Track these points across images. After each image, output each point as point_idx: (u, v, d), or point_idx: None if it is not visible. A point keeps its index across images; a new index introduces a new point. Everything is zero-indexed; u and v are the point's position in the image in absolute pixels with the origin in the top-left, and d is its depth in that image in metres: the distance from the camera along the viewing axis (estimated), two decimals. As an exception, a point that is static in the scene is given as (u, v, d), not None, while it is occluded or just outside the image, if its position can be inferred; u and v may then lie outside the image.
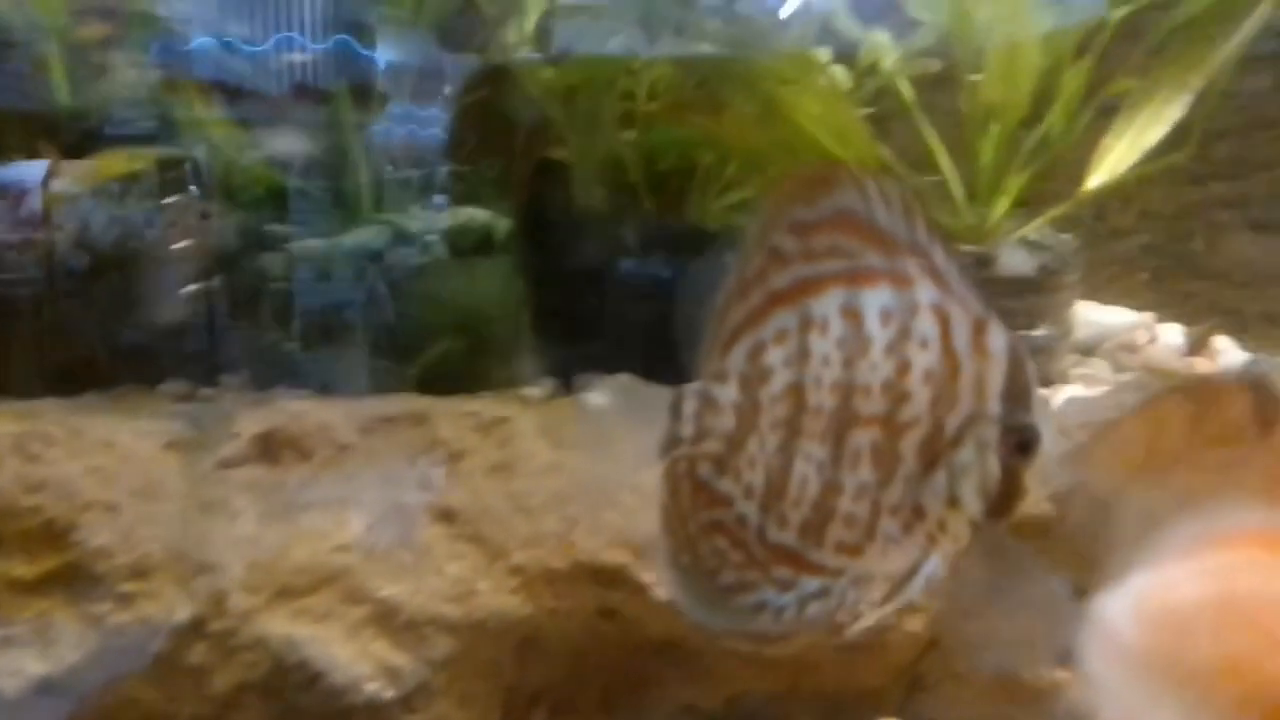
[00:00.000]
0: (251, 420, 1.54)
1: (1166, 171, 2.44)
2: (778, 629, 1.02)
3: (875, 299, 0.93)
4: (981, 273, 1.84)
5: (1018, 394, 0.93)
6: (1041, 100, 1.93)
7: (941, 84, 1.98)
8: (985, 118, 1.82)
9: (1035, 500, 1.04)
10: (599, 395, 1.86)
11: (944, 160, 1.92)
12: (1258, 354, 2.21)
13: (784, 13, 1.90)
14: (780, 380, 0.96)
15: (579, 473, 1.55)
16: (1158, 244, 2.51)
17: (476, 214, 1.82)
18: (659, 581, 1.24)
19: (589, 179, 1.97)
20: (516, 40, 1.85)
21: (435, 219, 1.80)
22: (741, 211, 1.93)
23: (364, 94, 1.83)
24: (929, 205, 1.94)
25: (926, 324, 0.92)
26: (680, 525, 1.03)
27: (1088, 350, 2.15)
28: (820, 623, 1.02)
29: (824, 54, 1.87)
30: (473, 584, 1.48)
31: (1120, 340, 2.20)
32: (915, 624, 1.55)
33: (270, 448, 1.53)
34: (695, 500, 1.02)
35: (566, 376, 1.94)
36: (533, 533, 1.51)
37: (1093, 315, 2.24)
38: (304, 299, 1.66)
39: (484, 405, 1.64)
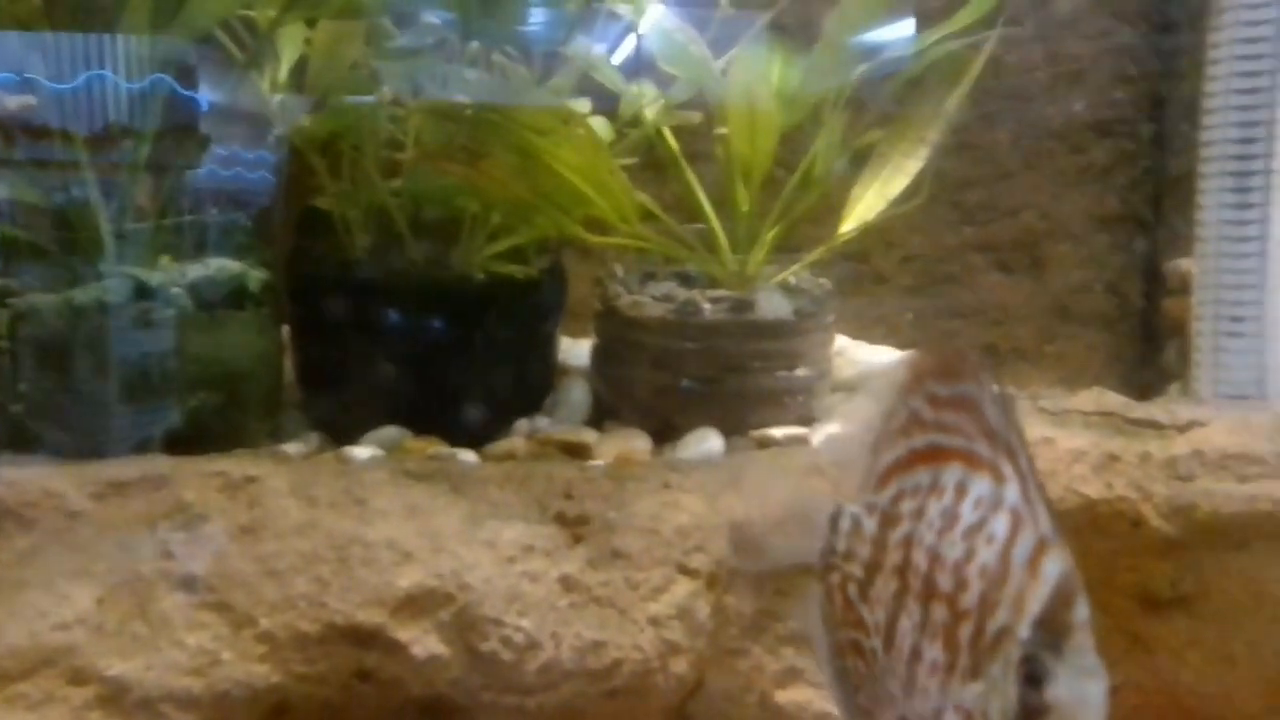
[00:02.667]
0: (-36, 492, 1.42)
1: (924, 218, 2.61)
2: None
3: (979, 484, 0.97)
4: (743, 316, 1.90)
5: (1052, 626, 0.91)
6: (800, 152, 2.03)
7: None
8: (737, 169, 1.89)
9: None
10: (363, 450, 1.82)
11: (708, 209, 1.98)
12: (1009, 387, 2.35)
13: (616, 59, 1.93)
14: (903, 529, 1.01)
15: (334, 532, 1.51)
16: (919, 286, 2.66)
17: (228, 265, 1.75)
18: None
19: (353, 228, 1.93)
20: (270, 86, 1.81)
21: (182, 271, 1.72)
22: (508, 260, 1.93)
23: (111, 138, 1.74)
24: (703, 258, 2.00)
25: (1000, 523, 0.95)
26: (833, 631, 1.07)
27: (854, 388, 2.24)
28: None
29: (583, 105, 1.90)
30: (216, 654, 1.40)
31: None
32: (680, 665, 1.56)
33: (-13, 521, 1.42)
34: (846, 614, 1.06)
35: (332, 431, 1.88)
36: (282, 596, 1.44)
37: (859, 355, 2.34)
38: (28, 359, 1.55)
39: (233, 464, 1.57)
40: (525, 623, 1.47)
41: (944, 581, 0.96)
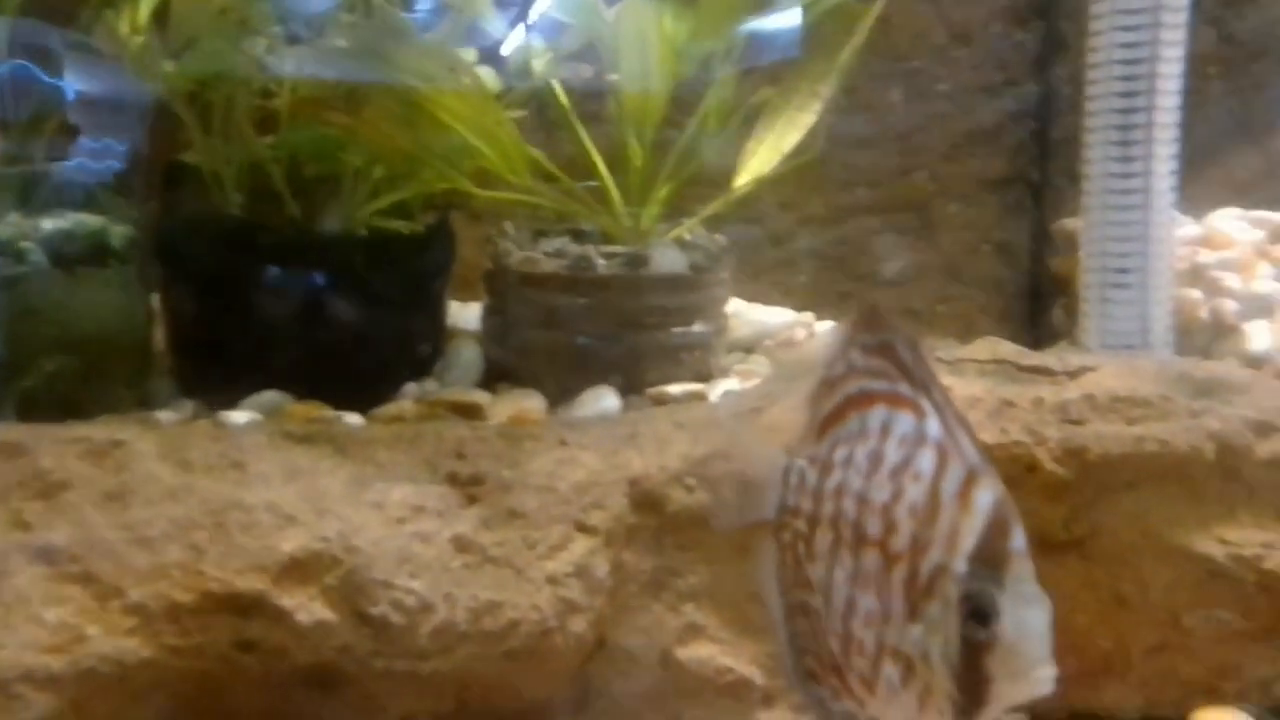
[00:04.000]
0: None
1: (818, 178, 2.61)
2: None
3: (902, 422, 0.95)
4: (637, 271, 1.86)
5: (989, 557, 0.87)
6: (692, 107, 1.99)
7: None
8: (629, 120, 1.85)
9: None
10: (242, 414, 1.72)
11: (600, 164, 1.93)
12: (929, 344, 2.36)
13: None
14: (835, 478, 0.98)
15: (209, 496, 1.42)
16: (815, 247, 2.66)
17: (87, 219, 1.63)
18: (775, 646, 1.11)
19: (226, 184, 1.83)
20: (130, 29, 1.69)
21: (35, 224, 1.59)
22: (391, 217, 1.85)
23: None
24: (596, 213, 1.95)
25: (926, 459, 0.91)
26: (785, 593, 1.04)
27: (749, 348, 2.23)
28: None
29: (469, 54, 1.83)
30: (79, 629, 1.30)
31: (780, 338, 2.30)
32: (580, 624, 1.52)
33: None
34: (796, 574, 1.02)
35: (208, 398, 1.78)
36: (153, 565, 1.35)
37: (755, 315, 2.33)
38: None
39: (97, 430, 1.47)
40: (417, 585, 1.41)
41: (873, 526, 0.93)
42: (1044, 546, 1.56)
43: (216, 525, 1.39)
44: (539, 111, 2.01)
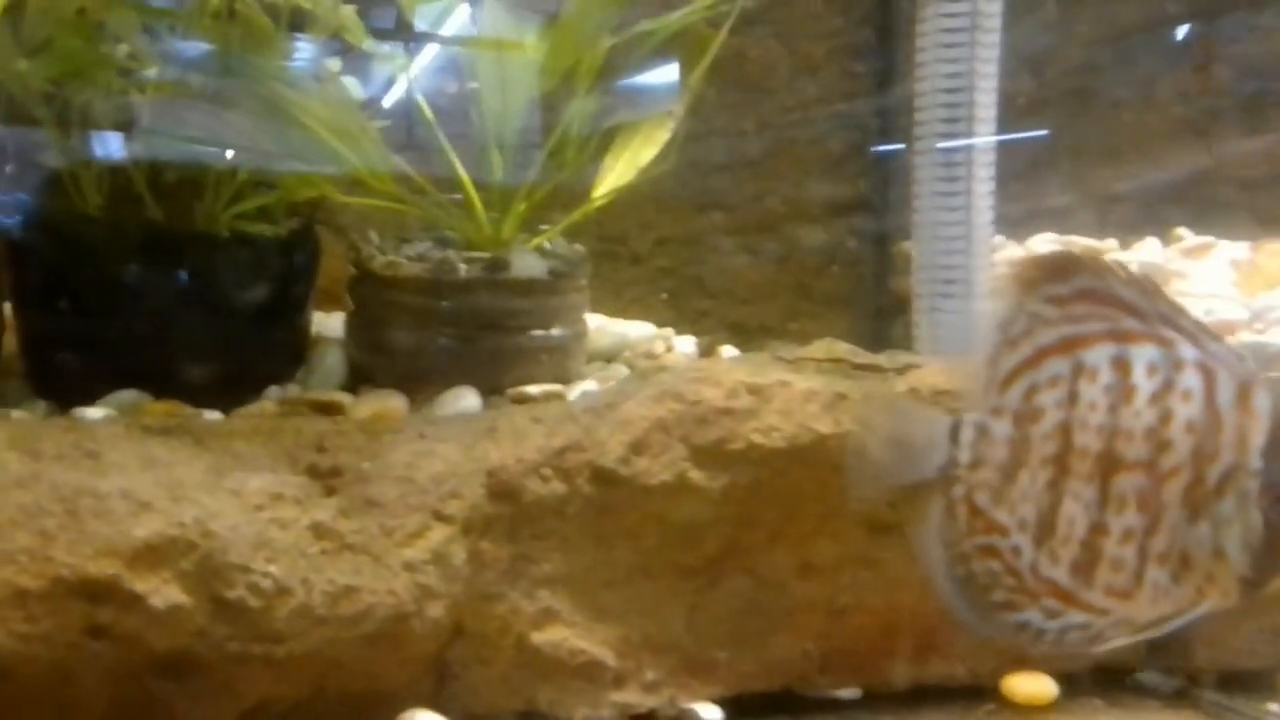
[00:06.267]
0: None
1: (676, 202, 2.74)
2: (1035, 648, 1.11)
3: (1143, 354, 1.01)
4: (497, 275, 1.93)
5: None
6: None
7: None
8: (490, 129, 1.93)
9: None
10: (97, 411, 1.72)
11: (462, 172, 2.00)
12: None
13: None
14: (1051, 420, 1.04)
15: (60, 483, 1.42)
16: (672, 266, 2.78)
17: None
18: (934, 589, 1.16)
19: (84, 186, 1.83)
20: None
21: None
22: (254, 219, 1.88)
23: None
24: (459, 220, 2.02)
25: (1191, 379, 1.00)
26: (956, 542, 1.09)
27: (610, 358, 2.32)
28: (1075, 649, 1.10)
29: (334, 63, 1.88)
30: (-82, 617, 1.29)
31: (640, 349, 2.40)
32: (436, 610, 1.57)
33: None
34: (972, 523, 1.08)
35: (63, 399, 1.76)
36: None
37: (617, 328, 2.43)
38: None
39: (-58, 421, 1.45)
40: (274, 569, 1.44)
41: (1131, 452, 1.01)
42: (875, 528, 1.70)
43: (68, 512, 1.39)
44: (410, 122, 2.07)
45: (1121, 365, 1.03)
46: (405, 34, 1.98)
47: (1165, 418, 1.01)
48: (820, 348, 1.85)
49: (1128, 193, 2.53)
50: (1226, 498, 1.00)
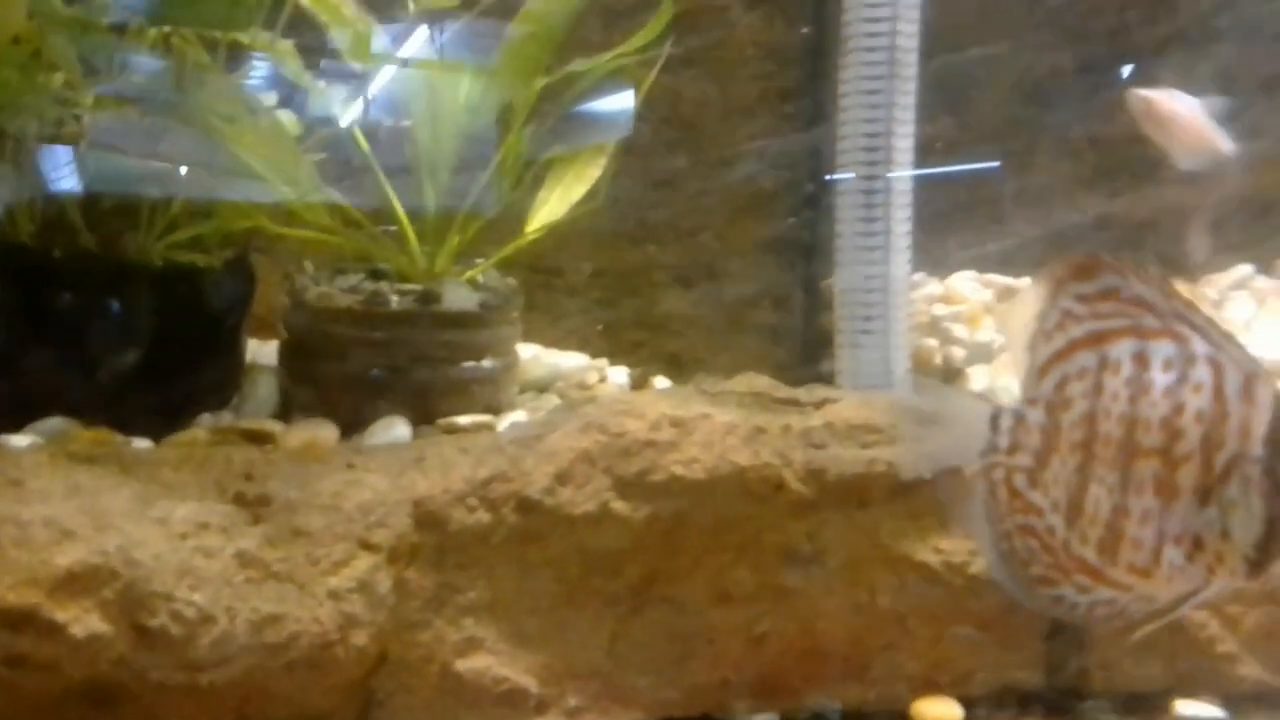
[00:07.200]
0: None
1: (612, 236, 2.80)
2: (1069, 619, 1.23)
3: (1160, 350, 1.10)
4: (429, 308, 1.97)
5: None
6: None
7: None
8: (424, 164, 1.97)
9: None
10: (23, 438, 1.73)
11: (397, 205, 2.04)
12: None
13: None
14: (1078, 409, 1.12)
15: (-19, 512, 1.43)
16: (608, 298, 2.84)
17: None
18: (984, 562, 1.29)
19: (17, 215, 1.84)
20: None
21: None
22: (187, 249, 1.91)
23: None
24: (392, 253, 2.05)
25: (1202, 372, 1.08)
26: (999, 520, 1.17)
27: (543, 388, 2.36)
28: (1102, 623, 1.19)
29: (270, 97, 1.92)
30: None
31: (573, 380, 2.44)
32: (361, 638, 1.59)
33: None
34: (1012, 504, 1.16)
35: (-12, 425, 1.77)
36: (-82, 581, 1.35)
37: (551, 359, 2.47)
38: None
39: None
40: (197, 597, 1.46)
41: (1148, 440, 1.09)
42: (791, 558, 1.76)
43: (-11, 540, 1.40)
44: (349, 153, 2.10)
45: (1141, 359, 1.11)
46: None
47: (1178, 408, 1.09)
48: (742, 381, 1.91)
49: (1040, 235, 2.63)
50: (1232, 483, 1.08)
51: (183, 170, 1.81)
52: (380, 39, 1.99)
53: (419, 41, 2.05)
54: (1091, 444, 1.13)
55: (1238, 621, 1.73)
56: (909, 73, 2.08)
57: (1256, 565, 1.11)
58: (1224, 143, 2.03)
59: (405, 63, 1.89)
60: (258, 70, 1.96)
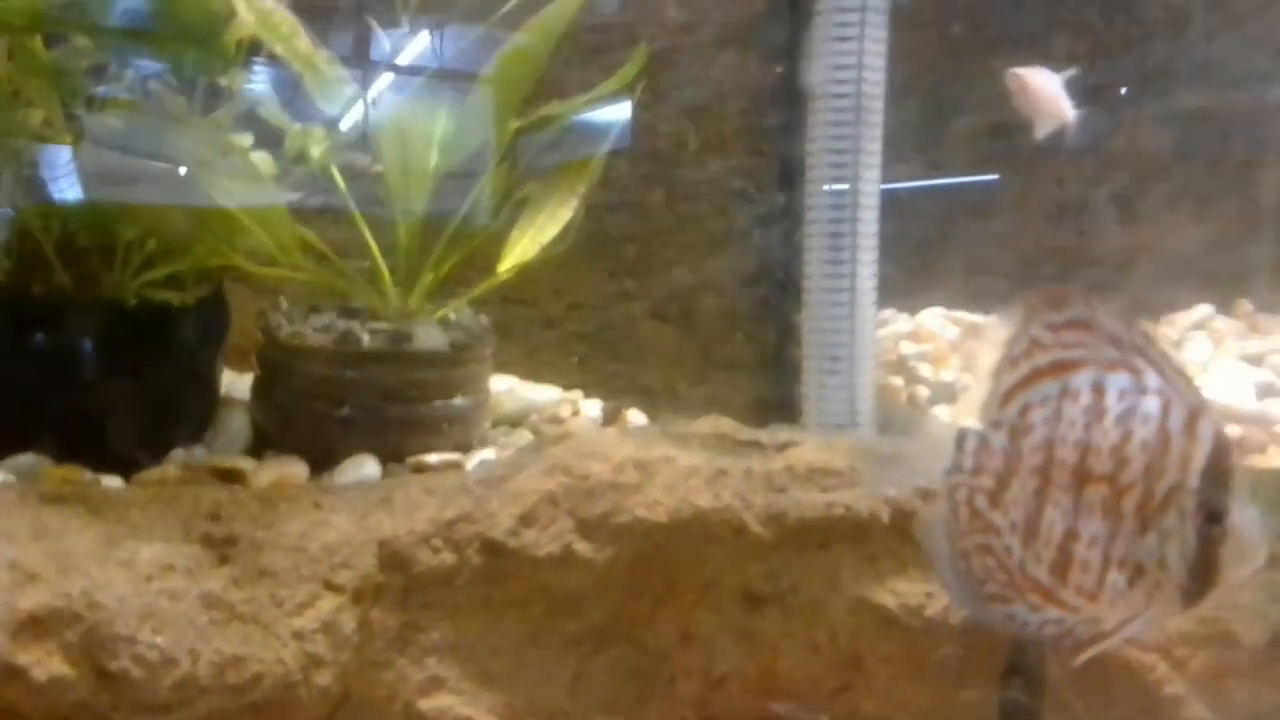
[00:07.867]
0: None
1: (588, 269, 2.83)
2: (1020, 636, 1.35)
3: (1116, 381, 1.15)
4: (400, 347, 2.00)
5: (1216, 475, 1.12)
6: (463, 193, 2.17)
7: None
8: (396, 205, 2.00)
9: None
10: (-5, 476, 1.75)
11: (371, 244, 2.07)
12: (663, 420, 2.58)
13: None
14: (1039, 434, 1.17)
15: (-53, 554, 1.45)
16: (583, 331, 2.87)
17: None
18: (939, 580, 1.29)
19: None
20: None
21: None
22: (163, 288, 1.93)
23: None
24: (365, 292, 2.09)
25: (1151, 404, 1.13)
26: (958, 539, 1.22)
27: (515, 422, 2.39)
28: (1051, 642, 1.27)
29: (245, 139, 1.95)
30: None
31: (546, 414, 2.47)
32: (324, 678, 1.61)
33: None
34: (972, 523, 1.21)
35: (-39, 462, 1.79)
36: (-118, 623, 1.37)
37: (524, 392, 2.50)
38: None
39: None
40: (160, 640, 1.48)
41: (1100, 465, 1.14)
42: (751, 600, 1.78)
43: (-47, 582, 1.42)
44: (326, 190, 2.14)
45: (1098, 389, 1.16)
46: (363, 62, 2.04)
47: (1126, 437, 1.14)
48: (707, 423, 1.94)
49: (1009, 271, 2.68)
50: (1170, 513, 1.13)
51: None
52: (380, 45, 2.03)
53: (418, 49, 2.08)
54: (1049, 468, 1.18)
55: (1184, 663, 1.76)
56: (874, 119, 2.12)
57: (1190, 595, 1.16)
58: (1068, 108, 2.22)
59: (372, 104, 1.92)
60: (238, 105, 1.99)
